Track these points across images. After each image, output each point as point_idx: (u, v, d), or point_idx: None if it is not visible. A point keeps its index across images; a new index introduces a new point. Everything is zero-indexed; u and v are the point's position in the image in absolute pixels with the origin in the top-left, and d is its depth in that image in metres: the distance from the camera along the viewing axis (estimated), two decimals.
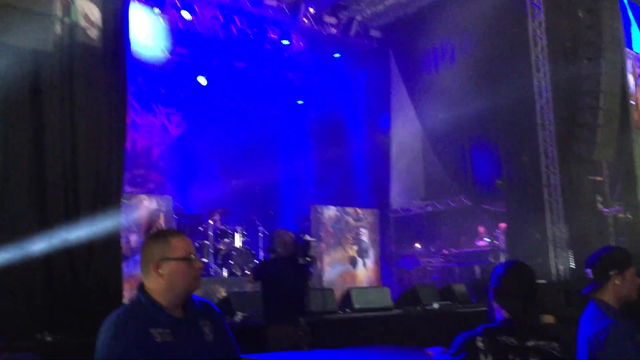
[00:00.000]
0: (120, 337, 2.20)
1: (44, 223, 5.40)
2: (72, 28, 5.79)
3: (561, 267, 10.92)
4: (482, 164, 12.69)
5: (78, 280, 5.50)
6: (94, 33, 5.94)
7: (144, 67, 12.97)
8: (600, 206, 11.37)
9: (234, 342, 2.54)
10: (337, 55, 14.80)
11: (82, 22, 5.85)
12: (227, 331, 2.53)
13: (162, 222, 9.27)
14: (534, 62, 11.52)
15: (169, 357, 2.24)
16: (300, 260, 5.46)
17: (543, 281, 9.09)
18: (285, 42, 13.87)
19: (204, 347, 2.37)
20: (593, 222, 11.00)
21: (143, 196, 9.33)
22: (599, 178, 11.45)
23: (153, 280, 2.35)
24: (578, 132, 10.76)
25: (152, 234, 2.55)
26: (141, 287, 2.38)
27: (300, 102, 15.82)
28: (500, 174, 12.23)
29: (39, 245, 5.27)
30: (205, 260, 11.18)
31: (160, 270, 2.33)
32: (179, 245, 2.38)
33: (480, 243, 13.73)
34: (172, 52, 13.22)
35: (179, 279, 2.34)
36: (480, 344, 2.66)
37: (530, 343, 2.65)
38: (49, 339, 4.92)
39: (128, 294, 7.84)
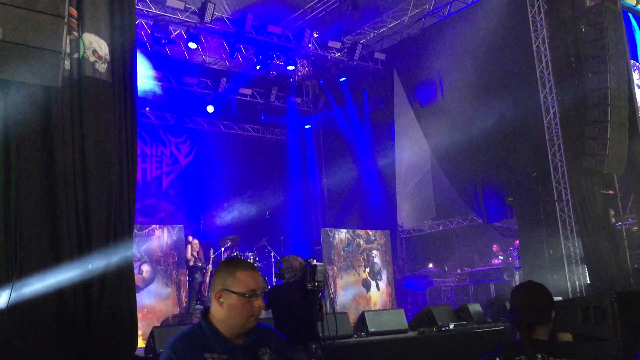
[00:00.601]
0: (173, 358, 2.25)
1: (57, 256, 5.41)
2: (81, 63, 5.87)
3: (576, 283, 10.80)
4: (492, 182, 12.65)
5: (91, 312, 5.50)
6: (102, 67, 6.02)
7: (152, 98, 13.14)
8: (613, 220, 11.27)
9: None
10: (342, 79, 14.90)
11: (91, 57, 5.94)
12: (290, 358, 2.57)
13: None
14: (539, 78, 11.55)
15: None
16: (309, 286, 5.41)
17: (559, 298, 8.99)
18: (290, 67, 13.99)
19: None
20: (606, 236, 10.90)
21: (154, 226, 9.36)
22: (610, 192, 11.37)
23: (215, 307, 2.39)
24: (588, 146, 10.71)
25: (226, 261, 2.55)
26: (205, 312, 2.44)
27: (307, 126, 15.91)
28: (511, 191, 12.20)
29: (52, 278, 5.28)
30: None
31: (220, 299, 2.36)
32: (244, 280, 2.37)
33: (495, 261, 13.63)
34: (179, 82, 13.37)
35: (235, 314, 2.35)
36: None
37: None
38: None
39: (141, 324, 7.85)
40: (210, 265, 10.26)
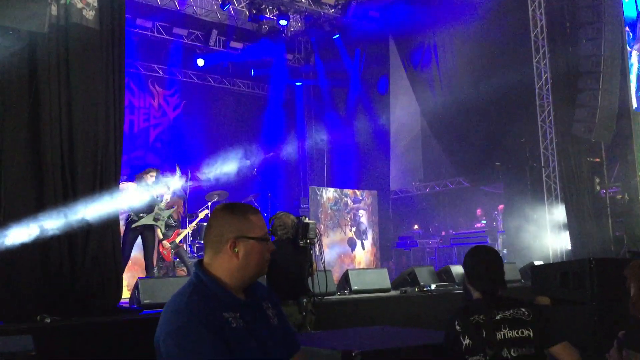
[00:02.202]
0: (197, 324, 1.97)
1: (42, 206, 5.40)
2: (68, 9, 5.74)
3: (558, 248, 10.98)
4: (480, 146, 12.68)
5: (76, 262, 5.52)
6: (90, 14, 5.89)
7: (141, 49, 12.92)
8: (597, 187, 11.40)
9: (291, 327, 2.39)
10: (336, 36, 14.70)
11: (78, 3, 5.80)
12: (284, 315, 2.36)
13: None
14: (533, 43, 11.47)
15: (244, 343, 2.04)
16: (301, 243, 5.50)
17: (540, 262, 9.15)
18: (283, 22, 13.77)
19: (272, 331, 2.21)
20: (590, 204, 11.04)
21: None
22: (597, 159, 11.47)
23: (224, 258, 2.14)
24: (577, 114, 10.73)
25: (226, 207, 2.21)
26: (201, 267, 2.17)
27: (298, 83, 15.76)
28: (499, 155, 12.25)
29: (36, 227, 5.27)
30: (203, 241, 11.22)
31: (235, 249, 2.13)
32: (258, 224, 2.20)
33: (478, 225, 13.79)
34: (169, 33, 13.14)
35: (253, 261, 2.16)
36: (457, 327, 2.88)
37: (498, 316, 2.86)
38: (48, 320, 4.95)
39: (126, 275, 7.89)
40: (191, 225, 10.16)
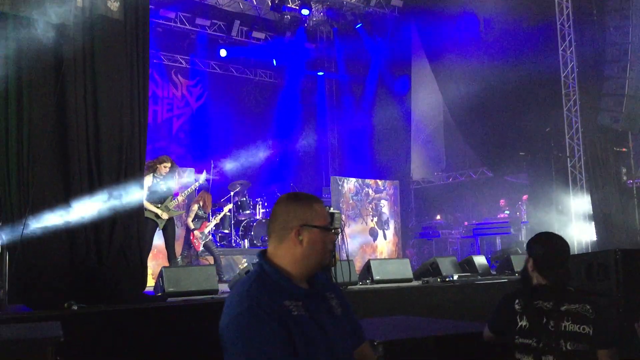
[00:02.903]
0: (257, 310, 1.98)
1: (69, 195, 5.49)
2: (93, 1, 5.80)
3: (583, 239, 10.85)
4: (504, 135, 12.55)
5: (102, 250, 5.61)
6: (114, 5, 5.94)
7: (164, 39, 13.00)
8: (624, 178, 11.22)
9: (356, 318, 2.37)
10: (358, 25, 14.62)
11: None
12: (349, 306, 2.34)
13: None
14: (559, 31, 11.30)
15: (307, 332, 2.03)
16: None
17: None
18: (305, 11, 13.73)
19: (336, 321, 2.19)
20: (617, 194, 10.87)
21: None
22: (624, 149, 11.28)
23: (288, 247, 2.14)
24: (604, 103, 10.56)
25: (291, 196, 2.23)
26: (264, 256, 2.19)
27: (320, 73, 15.72)
28: (524, 145, 12.11)
29: (63, 217, 5.37)
30: (226, 231, 11.32)
31: (300, 237, 2.13)
32: (322, 213, 2.21)
33: (501, 215, 13.67)
34: (192, 24, 13.20)
35: (317, 250, 2.16)
36: (517, 307, 2.87)
37: (564, 307, 2.81)
38: (75, 308, 5.04)
39: (150, 264, 8.01)
40: (214, 217, 10.32)
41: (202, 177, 9.08)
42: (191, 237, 9.49)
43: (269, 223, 2.23)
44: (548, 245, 2.99)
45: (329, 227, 2.20)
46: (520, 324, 2.83)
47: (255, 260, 2.23)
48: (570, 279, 2.96)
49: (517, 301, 2.88)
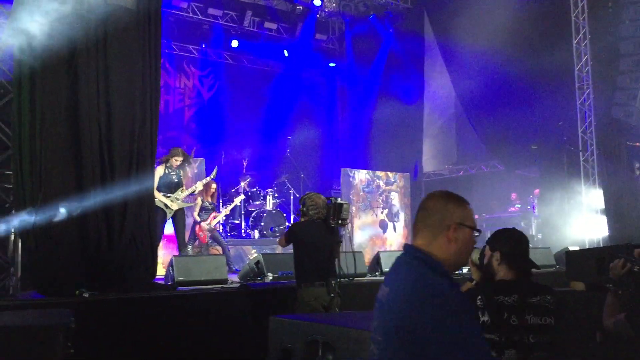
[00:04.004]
0: (461, 305, 1.98)
1: (81, 184, 5.53)
2: None
3: (594, 234, 10.78)
4: (516, 128, 12.47)
5: (113, 239, 5.65)
6: None
7: (176, 29, 13.01)
8: (637, 172, 11.13)
9: None
10: (370, 16, 14.54)
11: None
12: None
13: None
14: (573, 23, 11.19)
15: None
16: (332, 223, 5.48)
17: (575, 247, 9.00)
18: (317, 2, 13.68)
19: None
20: (629, 189, 10.79)
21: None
22: (637, 144, 11.17)
23: (442, 243, 2.15)
24: (617, 97, 10.46)
25: (447, 194, 2.26)
26: (423, 251, 2.15)
27: (332, 64, 15.68)
28: (536, 138, 12.03)
29: (76, 206, 5.41)
30: (236, 221, 11.36)
31: (454, 235, 2.15)
32: (472, 214, 2.25)
33: (512, 209, 13.61)
34: (204, 14, 13.19)
35: (465, 250, 2.19)
36: (479, 302, 2.92)
37: (529, 300, 2.89)
38: (86, 295, 5.09)
39: (161, 253, 8.05)
40: (226, 207, 10.31)
41: (214, 171, 9.11)
42: (197, 230, 9.50)
43: (421, 217, 2.23)
44: (514, 240, 3.09)
45: (478, 228, 2.24)
46: (482, 319, 2.87)
47: (404, 252, 2.21)
48: (537, 268, 3.07)
49: (479, 297, 2.92)
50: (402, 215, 12.94)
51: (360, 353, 2.97)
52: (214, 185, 9.72)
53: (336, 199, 5.56)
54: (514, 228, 3.22)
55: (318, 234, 5.46)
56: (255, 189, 11.68)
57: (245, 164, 12.19)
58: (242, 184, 11.63)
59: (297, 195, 12.07)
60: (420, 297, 2.00)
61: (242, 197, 11.00)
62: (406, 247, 2.22)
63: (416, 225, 2.24)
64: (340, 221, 5.48)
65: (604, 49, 10.80)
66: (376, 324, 2.13)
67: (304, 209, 5.58)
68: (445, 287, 2.00)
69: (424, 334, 1.93)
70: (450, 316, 1.93)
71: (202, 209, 9.60)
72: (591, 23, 11.08)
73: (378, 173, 12.66)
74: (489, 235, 3.27)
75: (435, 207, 2.22)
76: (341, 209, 5.47)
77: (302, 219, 5.64)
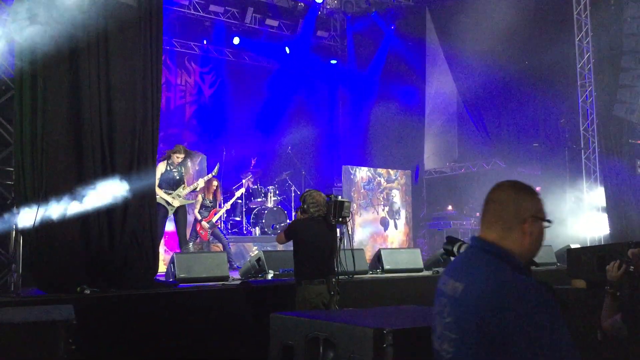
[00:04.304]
0: (546, 304, 1.94)
1: (82, 180, 5.53)
2: None
3: (596, 232, 10.77)
4: (518, 126, 12.46)
5: (114, 236, 5.65)
6: None
7: (178, 26, 13.00)
8: (639, 170, 11.12)
9: None
10: (372, 12, 14.52)
11: None
12: None
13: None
14: (575, 20, 11.16)
15: None
16: (333, 221, 5.50)
17: (577, 245, 9.00)
18: (318, 0, 13.67)
19: None
20: (631, 187, 10.77)
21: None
22: (639, 141, 11.16)
23: (517, 236, 2.09)
24: (620, 94, 10.44)
25: (520, 185, 2.17)
26: (497, 245, 2.10)
27: (333, 61, 15.66)
28: (537, 136, 12.01)
29: (77, 203, 5.41)
30: (237, 219, 11.36)
31: (530, 229, 2.09)
32: (543, 205, 2.16)
33: None
34: (205, 11, 13.18)
35: (539, 241, 2.13)
36: None
37: None
38: (87, 292, 5.10)
39: (162, 250, 8.05)
40: (226, 205, 10.28)
41: (216, 169, 9.11)
42: (197, 227, 9.50)
43: (491, 209, 2.16)
44: None
45: (550, 220, 2.16)
46: None
47: (474, 245, 2.17)
48: (536, 266, 3.03)
49: None
50: (403, 213, 12.94)
51: (362, 350, 2.97)
52: (215, 183, 9.70)
53: (336, 197, 5.56)
54: None
55: (318, 231, 5.47)
56: (256, 186, 11.68)
57: (253, 162, 12.19)
58: (244, 181, 11.63)
59: (299, 193, 12.07)
60: (502, 293, 1.96)
61: (242, 190, 10.99)
62: (477, 240, 2.16)
63: (486, 218, 2.17)
64: (340, 219, 5.50)
65: (606, 46, 10.77)
66: (449, 320, 2.08)
67: (305, 206, 5.59)
68: (527, 282, 1.97)
69: (507, 330, 1.90)
70: (534, 311, 1.90)
71: (203, 206, 9.60)
72: (593, 20, 11.05)
73: (379, 170, 12.67)
74: (472, 235, 3.27)
75: (507, 199, 2.14)
76: (342, 206, 5.48)
77: (301, 216, 5.65)
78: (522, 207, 2.11)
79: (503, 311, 1.92)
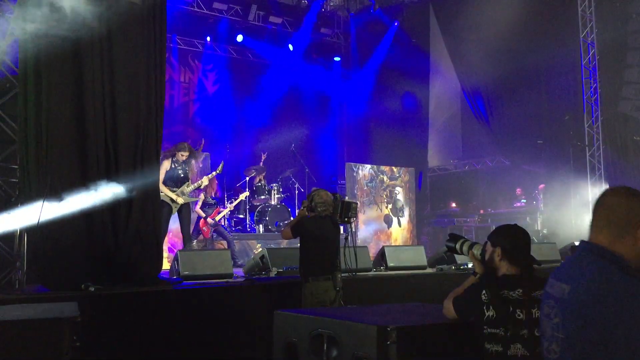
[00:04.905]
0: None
1: (86, 178, 5.53)
2: None
3: None
4: (522, 123, 12.42)
5: (118, 234, 5.66)
6: None
7: (181, 23, 12.99)
8: None
9: None
10: (375, 8, 14.48)
11: None
12: None
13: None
14: (580, 17, 11.12)
15: None
16: (339, 220, 5.58)
17: (577, 243, 8.98)
18: None
19: None
20: (635, 184, 10.73)
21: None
22: None
23: (630, 243, 2.06)
24: (624, 91, 10.41)
25: (628, 191, 2.13)
26: (608, 249, 2.08)
27: (337, 58, 15.64)
28: (541, 133, 11.98)
29: (81, 200, 5.41)
30: (241, 216, 11.37)
31: None
32: None
33: (517, 204, 13.57)
34: (209, 8, 13.18)
35: None
36: (484, 297, 2.93)
37: (534, 294, 2.89)
38: (92, 289, 5.11)
39: (166, 247, 8.06)
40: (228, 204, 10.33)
41: (220, 166, 9.12)
42: (200, 224, 9.53)
43: (602, 215, 2.16)
44: (515, 236, 3.12)
45: None
46: (487, 314, 2.89)
47: (583, 249, 2.17)
48: (538, 265, 3.08)
49: (483, 292, 2.93)
50: (406, 210, 12.94)
51: (365, 347, 2.97)
52: (215, 181, 9.77)
53: (343, 197, 5.64)
54: (515, 224, 3.24)
55: (326, 229, 5.54)
56: (260, 184, 11.68)
57: (264, 157, 12.16)
58: (259, 177, 11.63)
59: (302, 190, 12.07)
60: (613, 297, 1.96)
61: (246, 193, 11.02)
62: (586, 245, 2.15)
63: (596, 222, 2.16)
64: (346, 219, 5.59)
65: (611, 42, 10.74)
66: (557, 320, 2.08)
67: (312, 204, 5.63)
68: (635, 284, 1.96)
69: (617, 335, 1.90)
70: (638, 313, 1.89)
71: (205, 204, 9.63)
72: (598, 17, 11.01)
73: (382, 168, 12.66)
74: (476, 232, 3.29)
75: (619, 204, 2.12)
76: (349, 207, 5.60)
77: (305, 212, 5.69)
78: (633, 213, 2.09)
79: (613, 317, 1.92)
